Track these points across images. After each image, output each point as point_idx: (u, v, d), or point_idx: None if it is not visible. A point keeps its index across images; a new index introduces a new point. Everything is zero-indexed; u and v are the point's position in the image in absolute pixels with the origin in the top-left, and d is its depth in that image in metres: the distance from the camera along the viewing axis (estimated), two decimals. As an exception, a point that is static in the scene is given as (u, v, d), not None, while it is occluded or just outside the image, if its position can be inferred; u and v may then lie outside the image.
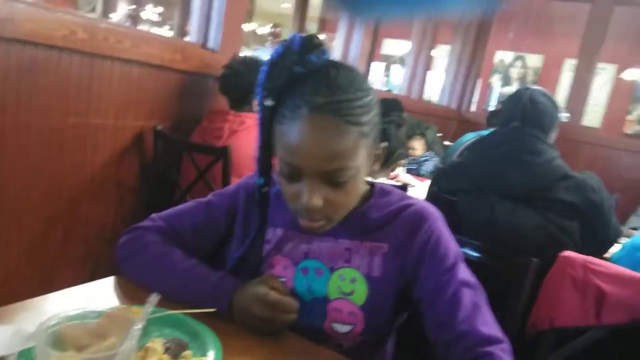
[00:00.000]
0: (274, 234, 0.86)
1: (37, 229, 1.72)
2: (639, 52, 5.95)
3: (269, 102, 0.74)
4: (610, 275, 1.12)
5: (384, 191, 0.88)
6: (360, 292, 0.81)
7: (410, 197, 0.87)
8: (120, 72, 1.85)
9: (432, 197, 1.69)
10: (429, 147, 3.53)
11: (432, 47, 4.34)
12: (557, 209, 1.44)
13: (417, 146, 3.42)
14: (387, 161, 1.86)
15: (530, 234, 1.43)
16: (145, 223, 0.91)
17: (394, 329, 0.90)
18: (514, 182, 1.48)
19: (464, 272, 0.80)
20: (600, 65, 4.89)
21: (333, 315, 0.81)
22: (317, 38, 0.73)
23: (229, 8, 2.17)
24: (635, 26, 5.48)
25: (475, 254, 1.06)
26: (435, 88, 5.26)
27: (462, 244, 1.12)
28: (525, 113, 1.55)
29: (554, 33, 6.22)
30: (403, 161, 2.95)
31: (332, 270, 0.82)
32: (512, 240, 1.39)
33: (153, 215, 0.92)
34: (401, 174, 2.39)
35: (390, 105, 2.57)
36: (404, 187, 1.70)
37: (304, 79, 0.72)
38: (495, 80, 6.85)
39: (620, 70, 6.29)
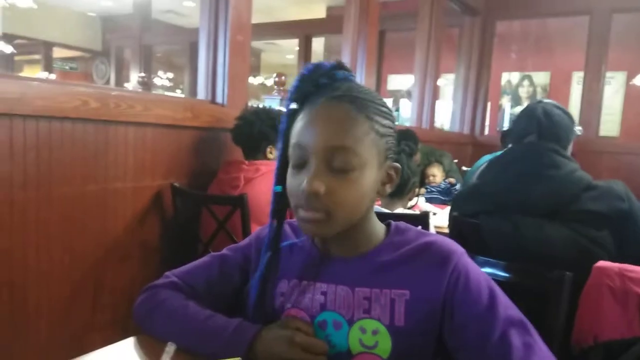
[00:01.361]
0: (287, 286, 0.83)
1: (66, 297, 1.73)
2: (646, 57, 5.91)
3: (293, 106, 0.77)
4: (649, 281, 1.07)
5: (399, 229, 0.83)
6: (384, 344, 0.75)
7: (428, 234, 0.82)
8: (134, 135, 1.91)
9: (453, 222, 1.66)
10: (446, 174, 3.52)
11: (436, 77, 4.38)
12: (585, 220, 1.39)
13: (437, 172, 3.43)
14: (403, 190, 1.85)
15: (561, 248, 1.38)
16: (160, 281, 0.90)
17: None
18: (537, 198, 1.44)
19: (505, 308, 0.73)
20: (608, 74, 4.87)
21: None
22: (345, 65, 0.79)
23: (232, 64, 2.25)
24: (638, 31, 5.48)
25: (504, 274, 1.02)
26: (446, 116, 5.28)
27: (489, 265, 1.09)
28: (541, 127, 1.52)
29: (556, 49, 6.24)
30: (422, 190, 2.94)
31: (351, 322, 0.77)
32: (542, 257, 1.35)
33: (167, 272, 0.92)
34: (420, 203, 2.37)
35: (402, 135, 2.59)
36: (426, 216, 1.67)
37: (327, 86, 0.76)
38: (505, 102, 6.84)
39: (630, 76, 6.23)
